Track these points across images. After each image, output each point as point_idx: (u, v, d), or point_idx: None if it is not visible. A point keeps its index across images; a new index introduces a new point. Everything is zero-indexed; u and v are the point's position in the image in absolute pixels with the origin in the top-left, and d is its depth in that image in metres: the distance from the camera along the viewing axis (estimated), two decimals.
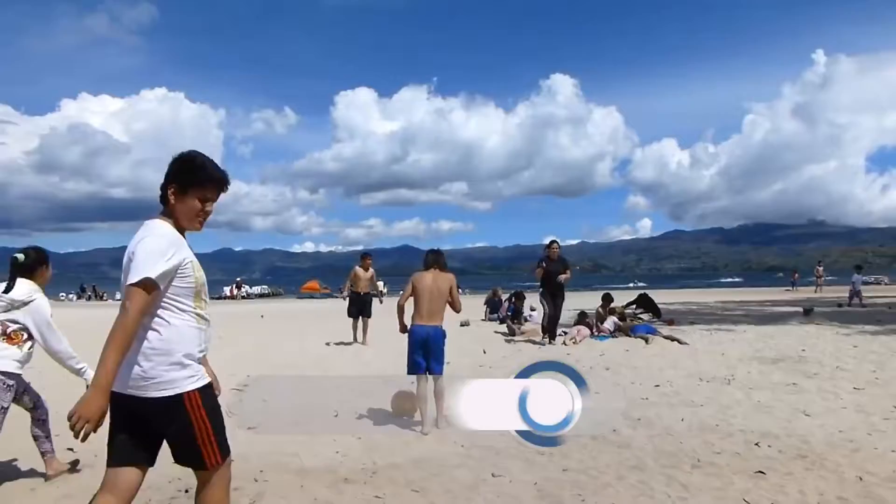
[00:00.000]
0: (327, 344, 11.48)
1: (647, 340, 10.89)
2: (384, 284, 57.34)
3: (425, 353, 5.55)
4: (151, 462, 2.56)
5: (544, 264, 11.22)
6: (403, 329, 5.93)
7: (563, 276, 11.17)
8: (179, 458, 2.51)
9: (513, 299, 15.34)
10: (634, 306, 15.81)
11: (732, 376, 7.47)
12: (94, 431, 2.23)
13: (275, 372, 8.32)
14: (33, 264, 4.13)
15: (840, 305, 21.24)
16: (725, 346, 10.21)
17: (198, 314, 2.51)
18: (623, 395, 6.58)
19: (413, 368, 5.60)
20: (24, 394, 4.08)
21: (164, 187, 2.54)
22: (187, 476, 4.08)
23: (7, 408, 3.89)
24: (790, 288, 41.02)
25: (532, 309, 16.26)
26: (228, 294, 48.94)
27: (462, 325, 15.95)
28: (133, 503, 2.46)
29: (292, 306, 32.59)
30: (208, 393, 2.52)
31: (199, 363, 2.52)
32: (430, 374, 5.53)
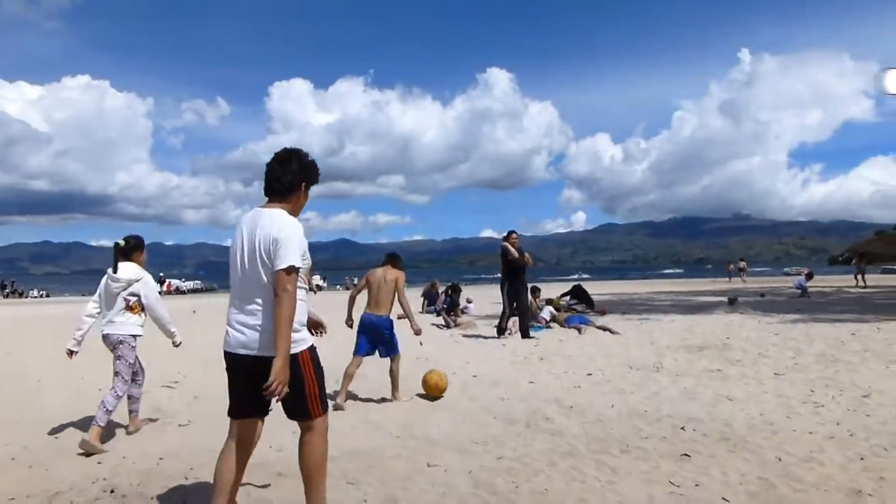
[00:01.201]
0: None
1: (580, 331, 11.14)
2: (322, 279, 56.80)
3: (371, 338, 6.33)
4: (265, 414, 3.19)
5: (518, 254, 10.74)
6: (350, 321, 6.56)
7: (527, 257, 10.91)
8: (289, 411, 3.07)
9: (449, 292, 15.44)
10: (569, 297, 16.12)
11: (661, 364, 7.72)
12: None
13: (207, 368, 8.12)
14: (132, 249, 5.03)
15: (763, 295, 22.16)
16: (655, 335, 10.53)
17: (305, 289, 3.11)
18: (556, 383, 6.72)
19: (356, 350, 6.30)
20: (121, 358, 4.91)
21: (292, 181, 3.04)
22: (112, 476, 3.98)
23: (134, 363, 4.98)
24: (727, 279, 42.61)
25: (468, 301, 16.41)
26: (165, 290, 47.59)
27: (399, 318, 15.97)
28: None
29: (227, 301, 31.90)
30: (314, 354, 3.07)
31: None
32: (381, 357, 6.35)
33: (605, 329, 11.27)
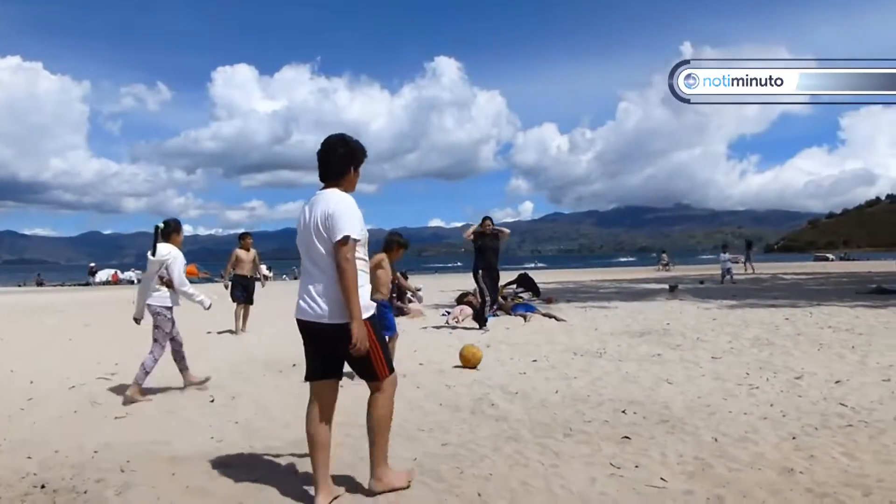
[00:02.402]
0: (208, 332, 10.89)
1: (525, 318, 11.26)
2: (268, 268, 55.88)
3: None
4: (339, 376, 3.45)
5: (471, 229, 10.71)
6: None
7: (504, 234, 10.82)
8: (359, 373, 3.39)
9: (396, 280, 15.38)
10: (515, 286, 16.27)
11: (604, 350, 7.87)
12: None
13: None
14: (171, 231, 5.97)
15: (702, 282, 22.80)
16: (598, 322, 10.72)
17: (363, 260, 3.32)
18: (502, 370, 6.77)
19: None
20: (173, 325, 5.97)
21: (344, 166, 3.35)
22: (43, 470, 3.83)
23: (170, 332, 5.94)
24: (660, 268, 43.78)
25: (417, 289, 16.40)
26: (111, 279, 46.16)
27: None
28: None
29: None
30: (374, 321, 3.29)
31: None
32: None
33: (550, 316, 11.41)
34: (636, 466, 3.71)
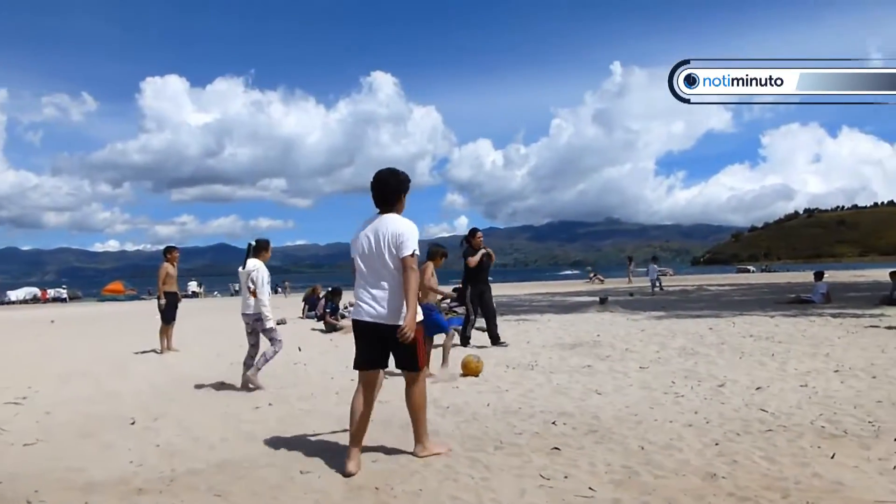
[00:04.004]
0: (135, 353, 10.42)
1: (459, 332, 11.23)
2: (199, 284, 54.34)
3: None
4: (385, 366, 4.17)
5: (479, 256, 9.85)
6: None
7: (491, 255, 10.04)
8: (399, 363, 4.14)
9: (330, 296, 15.18)
10: (450, 300, 16.27)
11: (536, 362, 7.93)
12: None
13: (63, 381, 7.54)
14: (260, 248, 7.00)
15: (632, 294, 23.36)
16: (531, 335, 10.83)
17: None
18: (435, 385, 6.73)
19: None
20: (265, 331, 6.94)
21: (395, 195, 4.12)
22: None
23: (275, 327, 7.03)
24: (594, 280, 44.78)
25: (351, 304, 16.21)
26: (40, 297, 44.05)
27: (278, 324, 15.53)
28: None
29: (91, 310, 29.84)
30: (422, 324, 4.11)
31: None
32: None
33: (484, 330, 11.43)
34: (565, 477, 3.72)
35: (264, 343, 7.02)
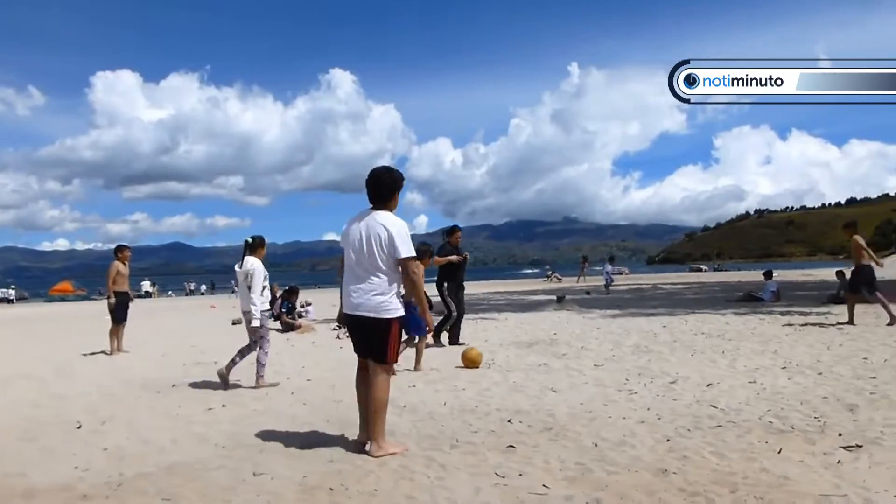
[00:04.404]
0: (84, 354, 10.11)
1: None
2: (153, 284, 53.12)
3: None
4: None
5: (462, 255, 9.69)
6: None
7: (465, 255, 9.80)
8: (371, 352, 4.29)
9: (286, 295, 15.00)
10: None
11: (493, 360, 7.96)
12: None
13: (5, 385, 7.29)
14: (256, 245, 6.92)
15: (588, 293, 23.64)
16: (489, 333, 10.87)
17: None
18: (392, 384, 6.68)
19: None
20: (255, 330, 6.88)
21: (389, 192, 4.28)
22: None
23: (267, 328, 7.04)
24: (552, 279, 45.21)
25: (307, 304, 16.06)
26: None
27: (234, 324, 15.31)
28: None
29: (38, 311, 28.95)
30: (402, 321, 4.34)
31: None
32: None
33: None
34: (520, 475, 3.74)
35: (254, 348, 7.01)
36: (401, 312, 4.25)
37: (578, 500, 3.33)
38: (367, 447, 4.26)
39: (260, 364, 6.86)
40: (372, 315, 4.17)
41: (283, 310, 14.35)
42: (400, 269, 4.21)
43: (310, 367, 8.08)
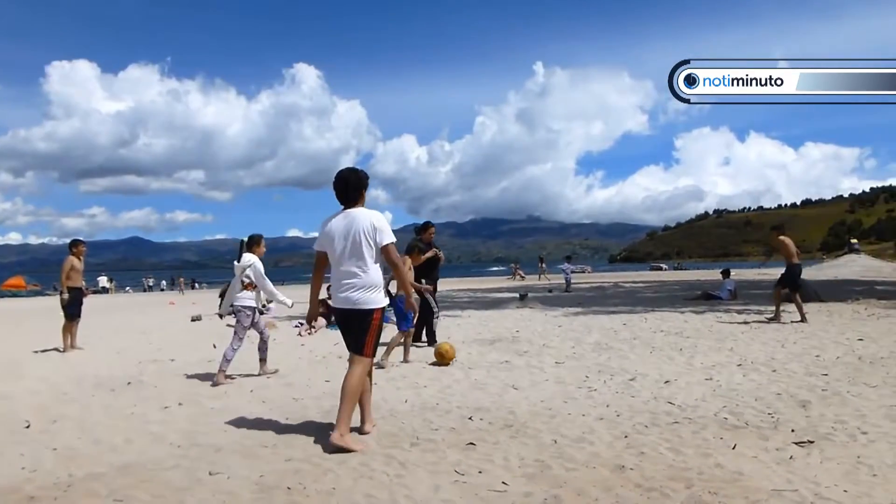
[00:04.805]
0: (35, 351, 9.88)
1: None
2: (110, 280, 51.91)
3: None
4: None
5: (435, 251, 9.31)
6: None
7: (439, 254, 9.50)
8: (350, 344, 4.49)
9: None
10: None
11: (455, 358, 7.95)
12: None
13: None
14: (252, 243, 7.18)
15: (550, 291, 23.83)
16: (451, 331, 10.86)
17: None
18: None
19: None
20: (256, 322, 7.21)
21: (357, 192, 4.48)
22: None
23: (248, 327, 7.11)
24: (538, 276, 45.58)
25: (268, 301, 15.85)
26: None
27: (193, 320, 15.07)
28: None
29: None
30: (383, 314, 4.50)
31: None
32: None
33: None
34: (479, 472, 3.74)
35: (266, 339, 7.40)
36: (384, 303, 4.44)
37: (537, 497, 3.34)
38: (331, 434, 4.32)
39: (225, 359, 6.88)
40: (358, 308, 4.37)
41: None
42: (384, 258, 4.44)
43: (270, 363, 7.96)
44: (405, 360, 7.74)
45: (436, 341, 9.22)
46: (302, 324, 12.13)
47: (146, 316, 18.41)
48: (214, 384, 6.68)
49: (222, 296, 17.33)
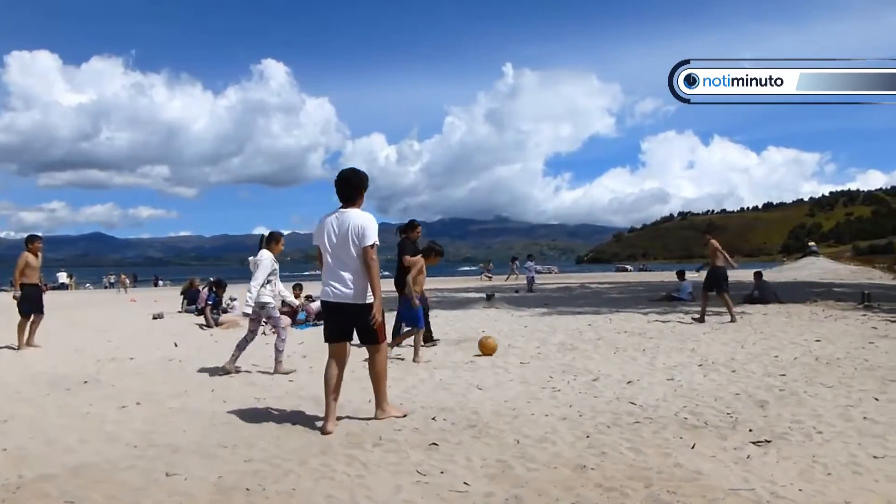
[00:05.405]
0: None
1: None
2: (69, 276, 50.71)
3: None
4: (350, 339, 4.81)
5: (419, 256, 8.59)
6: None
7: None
8: (363, 339, 4.79)
9: (213, 288, 14.57)
10: None
11: (420, 358, 7.93)
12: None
13: None
14: (269, 239, 7.28)
15: (517, 291, 23.93)
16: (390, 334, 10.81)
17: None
18: (316, 381, 6.59)
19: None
20: (270, 318, 7.32)
21: (357, 191, 4.73)
22: None
23: (279, 319, 7.38)
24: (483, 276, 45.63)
25: (232, 299, 15.65)
26: None
27: (155, 318, 14.80)
28: None
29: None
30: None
31: None
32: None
33: None
34: (441, 472, 3.73)
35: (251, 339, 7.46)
36: (372, 299, 4.66)
37: (498, 497, 3.34)
38: (375, 413, 4.97)
39: (278, 350, 7.23)
40: (358, 302, 4.60)
41: (209, 302, 13.93)
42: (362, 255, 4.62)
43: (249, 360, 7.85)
44: (415, 360, 7.72)
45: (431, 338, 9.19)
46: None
47: (106, 313, 18.04)
48: (277, 371, 7.15)
49: (184, 294, 17.09)
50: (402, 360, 7.77)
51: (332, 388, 4.73)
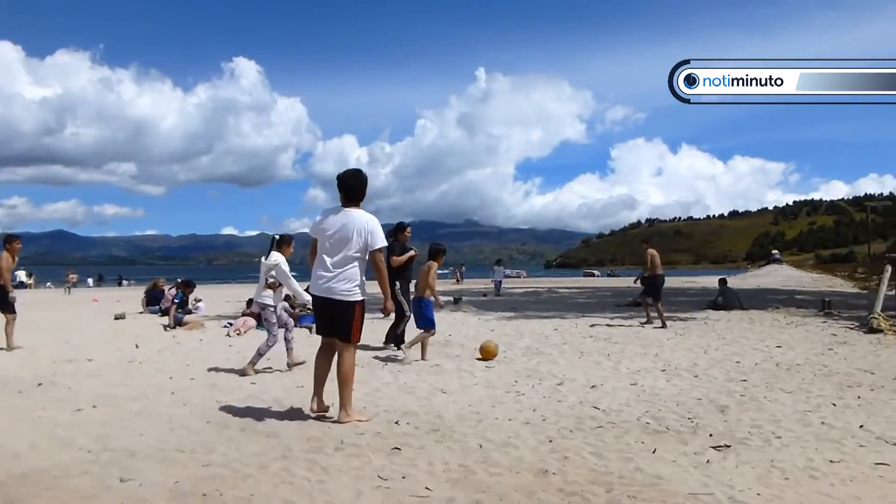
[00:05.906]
0: None
1: (311, 330, 11.01)
2: (29, 275, 49.47)
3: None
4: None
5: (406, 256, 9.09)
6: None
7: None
8: (337, 332, 4.87)
9: (181, 286, 14.28)
10: None
11: (385, 361, 7.89)
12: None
13: None
14: (280, 242, 7.27)
15: (485, 295, 23.97)
16: (383, 335, 10.75)
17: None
18: (279, 384, 6.51)
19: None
20: (279, 317, 7.41)
21: (360, 192, 4.92)
22: None
23: (276, 323, 7.30)
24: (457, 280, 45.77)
25: (197, 300, 15.41)
26: None
27: (116, 319, 14.50)
28: None
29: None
30: (364, 307, 4.91)
31: None
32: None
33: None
34: (403, 477, 3.69)
35: (275, 337, 7.31)
36: (362, 298, 4.85)
37: (460, 502, 3.31)
38: (338, 415, 4.93)
39: (259, 353, 7.14)
40: (340, 298, 4.75)
41: (176, 301, 13.64)
42: (368, 258, 4.84)
43: (194, 365, 7.72)
44: (422, 359, 7.90)
45: (404, 341, 8.94)
46: (231, 324, 11.83)
47: (66, 313, 17.62)
48: (242, 374, 7.00)
49: (147, 294, 16.78)
50: (400, 360, 7.89)
51: (319, 377, 5.06)
